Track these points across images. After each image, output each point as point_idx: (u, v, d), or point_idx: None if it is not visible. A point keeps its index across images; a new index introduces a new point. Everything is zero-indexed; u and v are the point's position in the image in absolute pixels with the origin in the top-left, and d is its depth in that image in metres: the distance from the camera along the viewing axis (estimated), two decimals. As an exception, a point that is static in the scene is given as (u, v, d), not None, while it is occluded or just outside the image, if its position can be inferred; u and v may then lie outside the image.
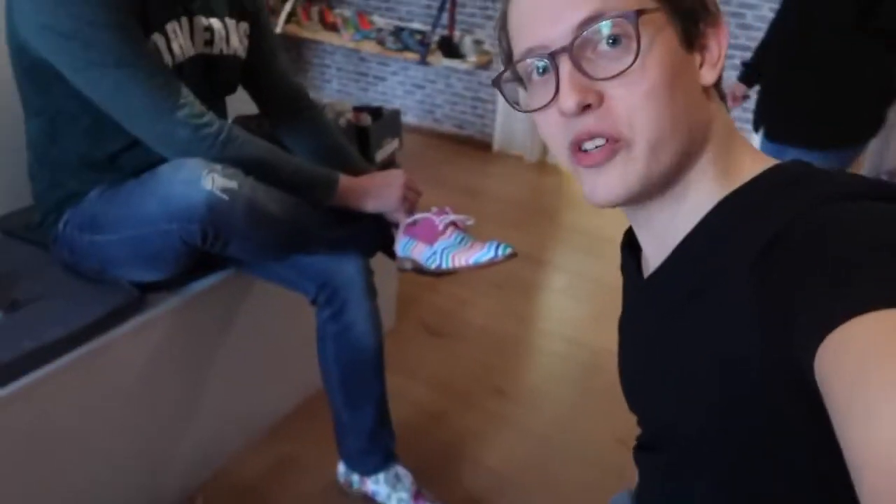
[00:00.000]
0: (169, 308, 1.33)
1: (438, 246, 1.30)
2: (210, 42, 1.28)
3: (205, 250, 1.19)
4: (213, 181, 1.09)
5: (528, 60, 0.58)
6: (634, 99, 0.54)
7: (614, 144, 0.56)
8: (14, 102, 1.25)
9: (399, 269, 1.37)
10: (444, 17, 3.81)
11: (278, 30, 4.10)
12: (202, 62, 1.26)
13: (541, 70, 0.57)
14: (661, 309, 0.62)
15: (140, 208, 1.16)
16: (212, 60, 1.28)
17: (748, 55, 3.14)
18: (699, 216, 0.58)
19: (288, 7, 4.12)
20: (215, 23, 1.28)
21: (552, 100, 0.56)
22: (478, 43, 3.75)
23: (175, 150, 1.14)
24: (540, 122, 0.60)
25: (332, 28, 4.09)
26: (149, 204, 1.14)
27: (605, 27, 0.53)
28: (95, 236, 1.22)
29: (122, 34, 1.08)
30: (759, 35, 3.05)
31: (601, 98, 0.55)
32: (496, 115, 3.87)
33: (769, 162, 0.59)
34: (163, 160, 1.16)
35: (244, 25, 1.36)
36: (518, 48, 0.59)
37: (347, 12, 4.10)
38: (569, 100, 0.54)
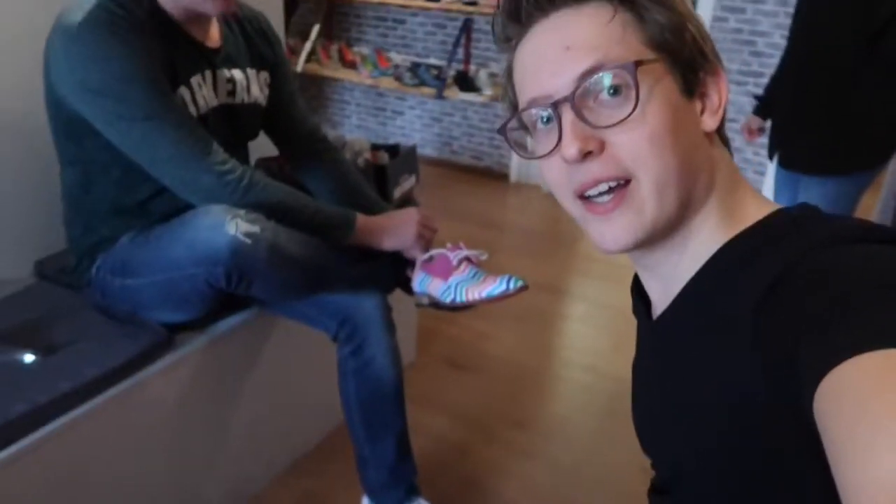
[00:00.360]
0: (196, 347, 1.38)
1: (452, 281, 1.34)
2: (232, 93, 1.34)
3: (229, 292, 1.24)
4: (237, 226, 1.14)
5: (533, 110, 0.60)
6: (637, 143, 0.56)
7: (621, 191, 0.57)
8: (49, 153, 1.32)
9: (417, 305, 1.41)
10: (460, 52, 3.89)
11: (299, 68, 4.22)
12: (225, 112, 1.33)
13: (545, 119, 0.60)
14: (669, 351, 0.64)
15: (168, 253, 1.21)
16: (234, 110, 1.35)
17: (760, 81, 3.18)
18: (704, 259, 0.59)
19: (308, 47, 4.25)
20: (237, 74, 1.35)
21: (556, 147, 0.58)
22: (493, 76, 3.82)
23: (200, 197, 1.20)
24: (545, 170, 0.62)
25: (352, 66, 4.20)
26: (176, 249, 1.20)
27: (606, 78, 0.55)
28: (126, 280, 1.28)
29: (151, 88, 1.15)
30: (771, 62, 3.08)
31: (603, 145, 0.57)
32: (513, 146, 3.91)
33: (772, 206, 0.60)
34: (190, 206, 1.22)
35: (264, 75, 1.42)
36: (523, 98, 0.61)
37: (366, 50, 4.21)
38: (571, 147, 0.56)
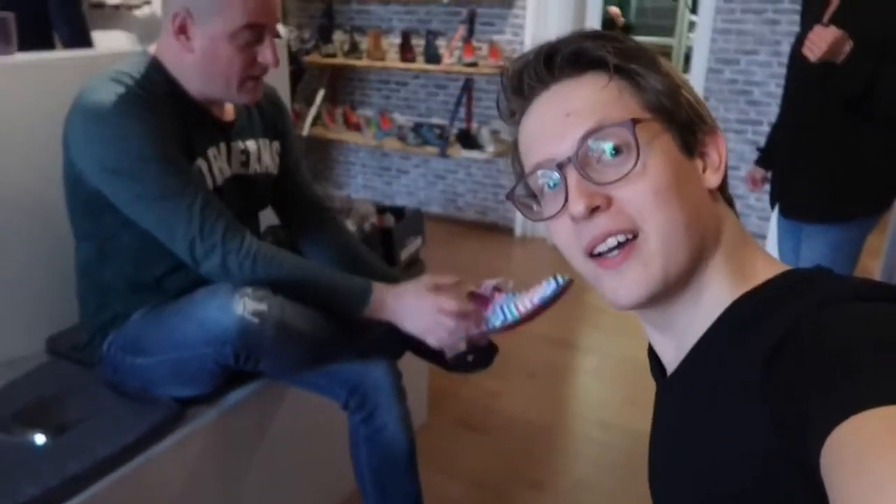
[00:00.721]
0: (207, 421, 1.38)
1: (495, 305, 1.28)
2: (246, 163, 1.38)
3: (238, 369, 1.24)
4: (245, 305, 1.16)
5: (539, 173, 0.62)
6: (642, 196, 0.58)
7: (630, 244, 0.58)
8: (61, 229, 1.35)
9: (451, 365, 1.36)
10: (461, 112, 3.98)
11: (305, 132, 4.31)
12: (239, 182, 1.36)
13: (552, 184, 0.62)
14: (681, 408, 0.64)
15: (177, 333, 1.23)
16: (247, 180, 1.38)
17: (759, 129, 3.23)
18: (713, 317, 0.60)
19: (314, 111, 4.35)
20: (251, 145, 1.39)
21: (563, 207, 0.60)
22: (494, 133, 3.89)
23: (215, 273, 1.21)
24: (554, 232, 0.63)
25: (356, 128, 4.29)
26: (185, 329, 1.21)
27: (606, 137, 0.58)
28: (137, 359, 1.29)
29: (167, 166, 1.18)
30: (769, 110, 3.14)
31: (609, 201, 0.58)
32: (517, 201, 3.95)
33: (781, 267, 0.61)
34: (205, 281, 1.24)
35: (276, 144, 1.47)
36: (528, 165, 0.64)
37: (369, 112, 4.31)
38: (578, 204, 0.58)
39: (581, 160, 0.59)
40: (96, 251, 1.31)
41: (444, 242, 3.62)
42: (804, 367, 0.47)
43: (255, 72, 1.25)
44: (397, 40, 4.03)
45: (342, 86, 4.43)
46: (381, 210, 2.03)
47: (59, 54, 1.67)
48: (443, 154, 3.94)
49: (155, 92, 1.21)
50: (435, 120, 4.11)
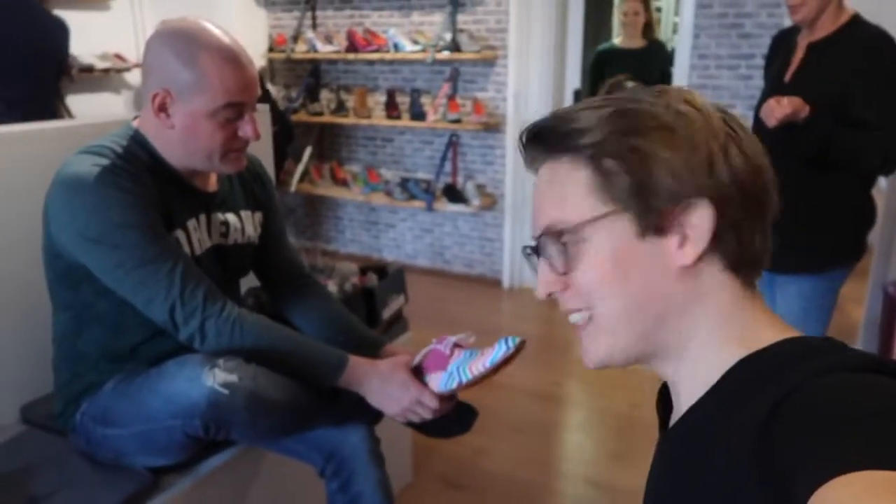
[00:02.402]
0: (182, 490, 1.35)
1: (452, 367, 1.30)
2: (225, 234, 1.40)
3: (209, 440, 1.23)
4: (215, 377, 1.15)
5: (526, 246, 0.70)
6: (592, 285, 0.63)
7: (588, 316, 0.65)
8: (38, 300, 1.35)
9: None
10: (447, 166, 4.04)
11: (292, 188, 4.36)
12: (218, 252, 1.37)
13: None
14: (673, 465, 0.65)
15: (145, 406, 1.22)
16: (226, 250, 1.39)
17: (752, 62, 3.27)
18: (709, 380, 0.61)
19: (301, 168, 4.41)
20: (231, 217, 1.40)
21: None
22: (480, 187, 3.95)
23: (192, 337, 1.21)
24: None
25: (343, 183, 4.35)
26: (154, 402, 1.20)
27: (555, 236, 0.63)
28: (107, 430, 1.28)
29: (147, 233, 1.19)
30: (761, 42, 3.16)
31: (566, 284, 0.65)
32: (504, 253, 3.99)
33: (788, 332, 0.61)
34: (180, 350, 1.23)
35: (259, 215, 1.49)
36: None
37: (356, 168, 4.37)
38: (539, 292, 0.67)
39: (542, 250, 0.65)
40: (73, 320, 1.31)
41: (432, 295, 3.62)
42: (791, 436, 0.49)
43: (237, 145, 1.27)
44: (383, 98, 4.12)
45: (329, 142, 4.50)
46: (364, 270, 2.04)
47: (40, 125, 1.69)
48: (430, 208, 3.98)
49: (135, 163, 1.23)
50: (421, 175, 4.17)
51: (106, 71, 3.71)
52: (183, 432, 1.19)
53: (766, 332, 0.61)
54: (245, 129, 1.25)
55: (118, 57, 3.89)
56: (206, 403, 1.14)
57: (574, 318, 0.66)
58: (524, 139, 0.67)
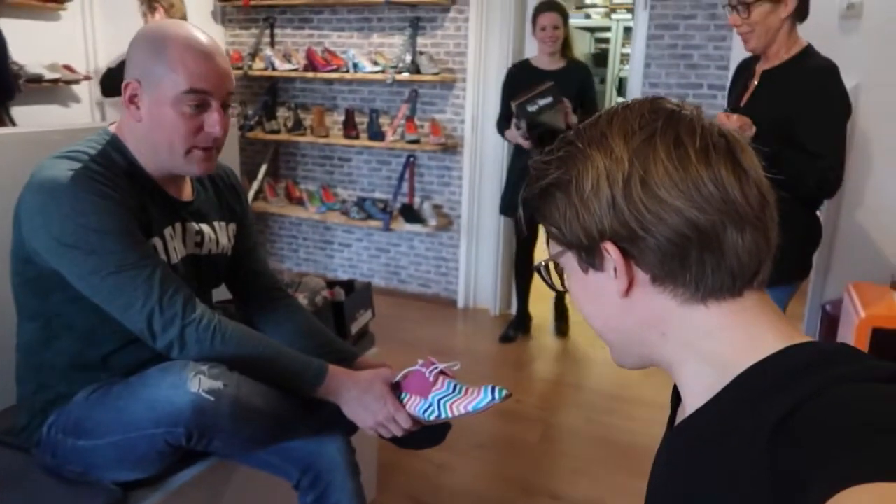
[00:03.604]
0: (152, 505, 1.32)
1: (433, 397, 1.31)
2: (200, 244, 1.38)
3: (189, 449, 1.21)
4: (200, 383, 1.13)
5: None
6: (577, 304, 0.74)
7: None
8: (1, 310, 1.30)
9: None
10: (404, 186, 4.07)
11: (246, 207, 4.29)
12: (193, 262, 1.36)
13: None
14: (680, 463, 0.66)
15: (126, 414, 1.18)
16: (200, 260, 1.38)
17: (699, 91, 3.42)
18: (713, 388, 0.62)
19: (256, 185, 4.36)
20: (205, 227, 1.39)
21: None
22: (437, 207, 3.99)
23: (170, 344, 1.19)
24: None
25: (299, 202, 4.32)
26: (135, 409, 1.17)
27: (548, 266, 0.73)
28: (79, 441, 1.24)
29: (124, 239, 1.17)
30: (707, 73, 3.33)
31: None
32: (459, 273, 4.03)
33: (796, 338, 0.62)
34: (153, 360, 1.21)
35: (233, 226, 1.48)
36: None
37: (312, 187, 4.35)
38: None
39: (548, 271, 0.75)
40: (42, 329, 1.27)
41: (388, 315, 3.61)
42: (811, 441, 0.49)
43: (201, 142, 1.24)
44: (341, 117, 4.13)
45: (285, 161, 4.48)
46: (332, 284, 2.04)
47: (8, 130, 1.64)
48: (386, 227, 3.99)
49: (112, 168, 1.21)
50: (378, 194, 4.18)
51: (55, 82, 3.61)
52: (164, 440, 1.16)
53: (769, 340, 0.61)
54: (211, 122, 1.23)
55: (67, 68, 3.79)
56: (190, 410, 1.12)
57: None
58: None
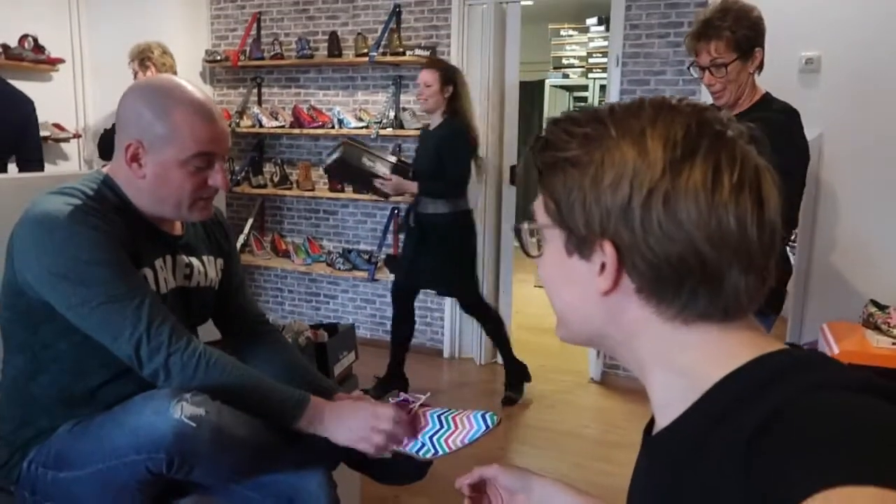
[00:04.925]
0: (131, 543, 1.31)
1: (424, 436, 1.32)
2: (189, 276, 1.42)
3: (169, 477, 1.21)
4: (182, 409, 1.15)
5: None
6: (543, 278, 0.72)
7: None
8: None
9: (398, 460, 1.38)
10: (389, 238, 4.13)
11: (232, 260, 4.32)
12: (181, 294, 1.39)
13: None
14: (658, 474, 0.66)
15: (108, 441, 1.20)
16: (189, 292, 1.42)
17: None
18: (695, 394, 0.61)
19: (242, 238, 4.41)
20: (194, 260, 1.44)
21: None
22: (421, 258, 4.04)
23: (156, 372, 1.20)
24: None
25: (285, 255, 4.36)
26: (117, 436, 1.18)
27: (527, 230, 0.71)
28: (60, 474, 1.24)
29: (115, 271, 1.20)
30: None
31: None
32: (444, 322, 4.05)
33: (770, 346, 0.61)
34: (139, 393, 1.22)
35: (220, 262, 1.52)
36: None
37: (298, 239, 4.41)
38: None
39: (524, 232, 0.73)
40: (30, 362, 1.29)
41: (373, 365, 3.61)
42: (784, 449, 0.49)
43: (206, 194, 1.32)
44: (326, 172, 4.22)
45: (271, 214, 4.54)
46: (315, 326, 2.07)
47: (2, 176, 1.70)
48: (372, 278, 4.03)
49: (105, 204, 1.26)
50: (363, 246, 4.24)
51: (45, 139, 3.69)
52: (145, 467, 1.17)
53: (744, 352, 0.60)
54: (215, 179, 1.30)
55: (58, 126, 3.89)
56: (172, 435, 1.13)
57: None
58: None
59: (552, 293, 0.70)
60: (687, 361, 0.63)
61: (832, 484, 0.44)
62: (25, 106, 3.02)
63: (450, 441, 1.30)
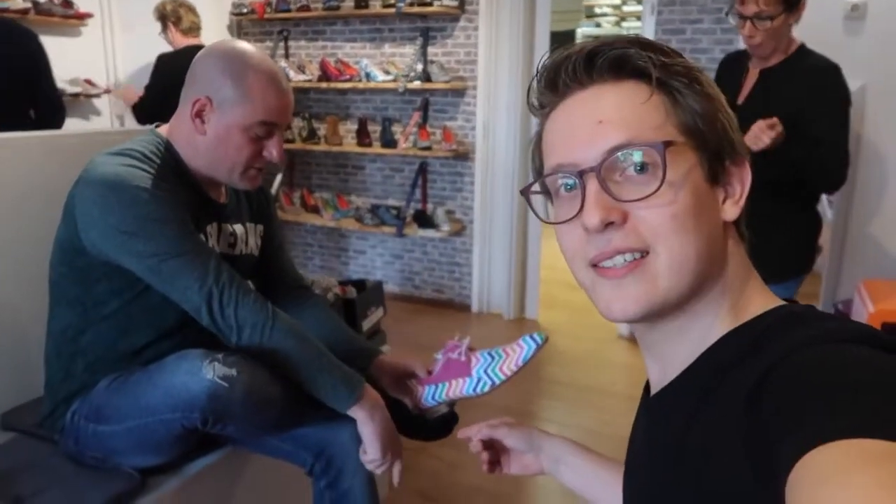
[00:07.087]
0: (169, 490, 1.36)
1: (477, 372, 1.33)
2: (233, 245, 1.45)
3: (204, 432, 1.26)
4: (214, 370, 1.18)
5: (558, 175, 0.62)
6: (660, 219, 0.57)
7: (639, 260, 0.58)
8: (16, 309, 1.33)
9: (429, 418, 1.41)
10: (417, 193, 4.12)
11: (262, 215, 4.36)
12: (226, 262, 1.41)
13: (568, 187, 0.61)
14: (660, 431, 0.65)
15: (144, 399, 1.23)
16: (232, 260, 1.43)
17: None
18: (702, 347, 0.61)
19: (271, 194, 4.44)
20: (238, 228, 1.46)
21: (577, 215, 0.60)
22: (449, 213, 4.03)
23: (228, 326, 1.23)
24: (562, 236, 0.63)
25: (314, 210, 4.38)
26: (153, 395, 1.22)
27: (635, 154, 0.57)
28: (100, 427, 1.29)
29: (182, 229, 1.24)
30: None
31: (625, 217, 0.58)
32: (472, 278, 4.06)
33: (777, 302, 0.62)
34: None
35: (261, 227, 1.54)
36: (549, 163, 0.63)
37: (327, 195, 4.42)
38: (594, 217, 0.57)
39: (605, 172, 0.58)
40: (79, 317, 1.32)
41: (402, 319, 3.67)
42: (781, 405, 0.49)
43: (259, 163, 1.33)
44: (354, 126, 4.20)
45: (300, 170, 4.55)
46: (343, 283, 2.09)
47: (34, 134, 1.72)
48: (400, 233, 4.04)
49: (163, 166, 1.28)
50: (391, 201, 4.24)
51: (76, 96, 3.72)
52: (181, 425, 1.21)
53: (755, 303, 0.61)
54: (271, 150, 1.32)
55: (88, 82, 3.90)
56: (205, 396, 1.17)
57: (618, 260, 0.59)
58: (581, 58, 0.61)
59: (674, 233, 0.58)
60: (730, 301, 0.62)
61: (830, 438, 0.43)
62: (28, 41, 2.67)
63: (504, 368, 1.31)
